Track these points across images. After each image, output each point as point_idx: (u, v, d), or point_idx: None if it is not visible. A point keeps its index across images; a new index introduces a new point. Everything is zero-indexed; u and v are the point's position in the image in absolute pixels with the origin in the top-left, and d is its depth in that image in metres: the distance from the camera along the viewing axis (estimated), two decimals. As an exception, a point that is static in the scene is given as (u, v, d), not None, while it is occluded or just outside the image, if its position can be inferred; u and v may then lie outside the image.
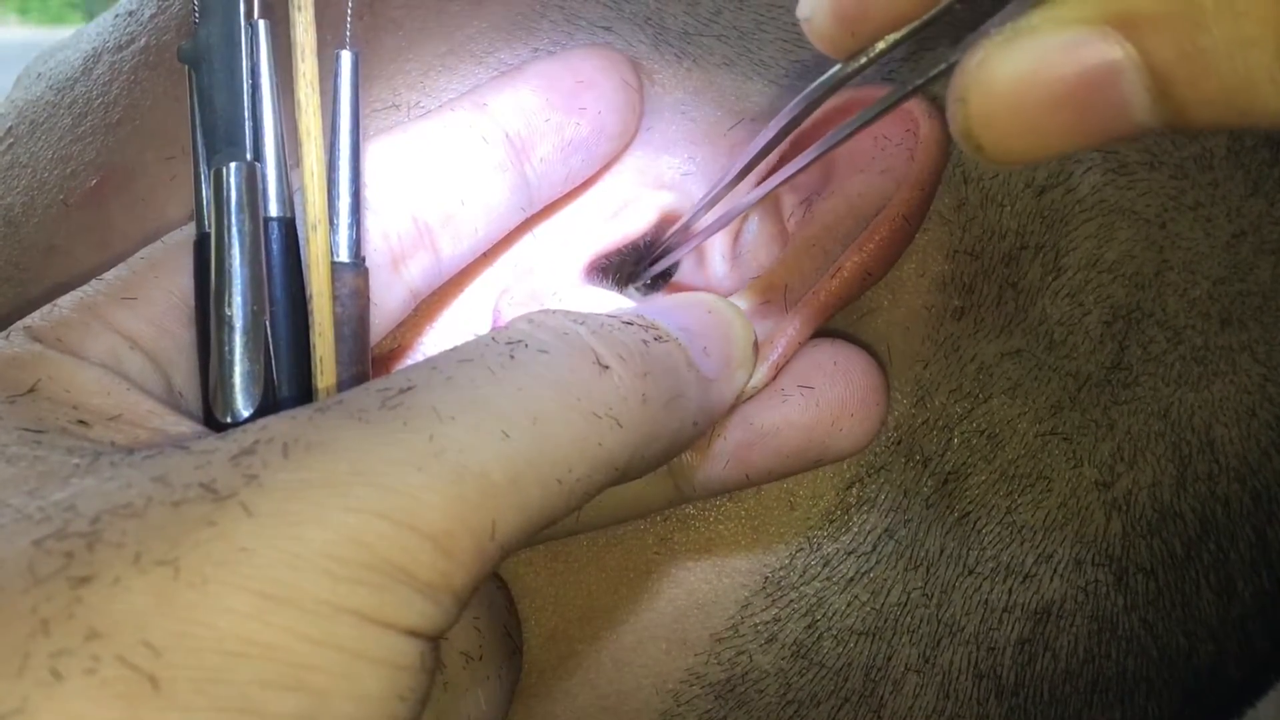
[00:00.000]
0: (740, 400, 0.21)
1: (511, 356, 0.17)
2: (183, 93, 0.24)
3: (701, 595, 0.23)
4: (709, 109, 0.23)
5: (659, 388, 0.18)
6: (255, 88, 0.18)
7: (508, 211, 0.21)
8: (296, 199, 0.19)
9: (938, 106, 0.21)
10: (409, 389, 0.16)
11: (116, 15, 0.27)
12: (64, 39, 0.29)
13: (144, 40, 0.25)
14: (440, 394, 0.16)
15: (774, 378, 0.21)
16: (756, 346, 0.21)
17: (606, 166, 0.23)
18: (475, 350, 0.17)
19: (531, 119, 0.21)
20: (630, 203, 0.22)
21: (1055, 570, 0.23)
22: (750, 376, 0.20)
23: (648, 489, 0.21)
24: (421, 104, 0.23)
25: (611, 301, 0.22)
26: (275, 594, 0.14)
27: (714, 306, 0.20)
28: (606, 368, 0.17)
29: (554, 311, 0.18)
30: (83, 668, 0.13)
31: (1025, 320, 0.23)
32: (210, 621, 0.13)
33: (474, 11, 0.24)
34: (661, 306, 0.20)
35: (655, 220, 0.22)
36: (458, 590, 0.15)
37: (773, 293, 0.22)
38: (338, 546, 0.14)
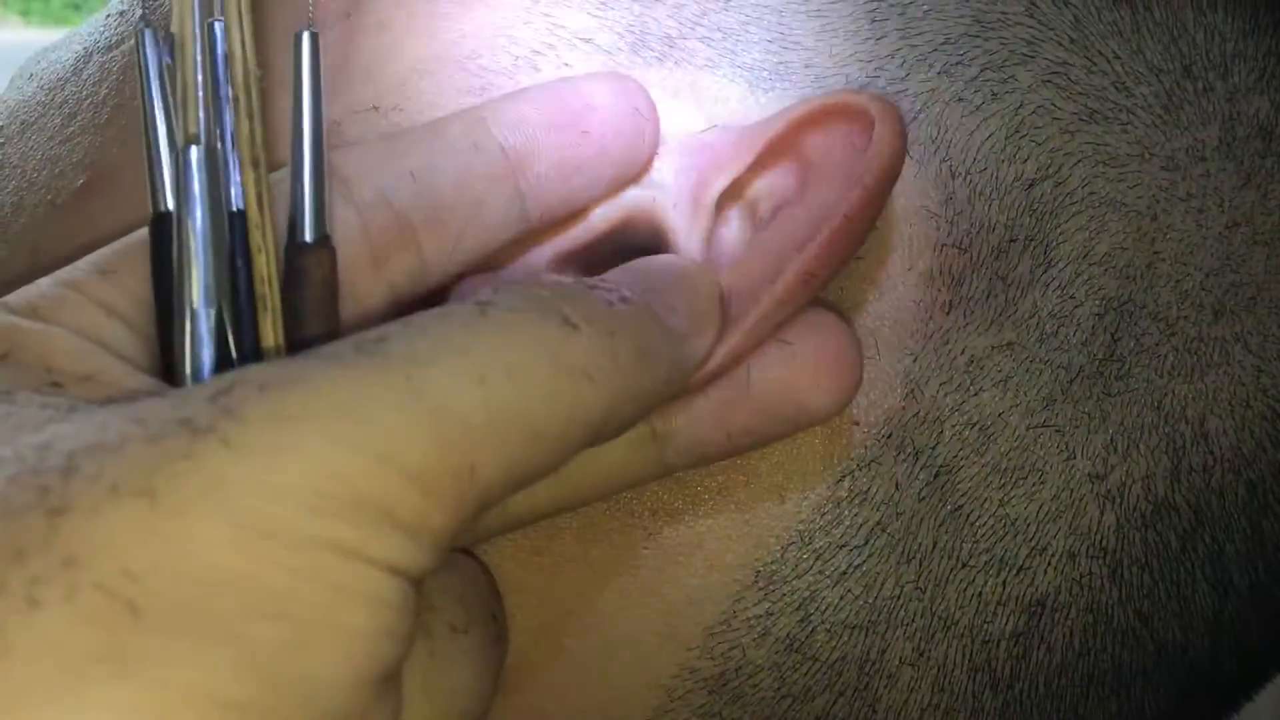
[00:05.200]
0: (708, 367, 0.21)
1: (483, 314, 0.17)
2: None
3: (692, 590, 0.23)
4: (685, 111, 0.23)
5: (628, 345, 0.18)
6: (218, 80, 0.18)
7: (500, 224, 0.21)
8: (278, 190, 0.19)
9: (893, 107, 0.21)
10: (384, 339, 0.16)
11: (108, 16, 0.27)
12: (57, 40, 0.29)
13: (133, 41, 0.25)
14: (415, 342, 0.16)
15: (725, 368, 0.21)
16: (722, 299, 0.21)
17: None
18: (447, 310, 0.17)
19: (530, 134, 0.21)
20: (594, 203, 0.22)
21: (1049, 563, 0.23)
22: (718, 335, 0.20)
23: (633, 457, 0.21)
24: (400, 107, 0.23)
25: None
26: (254, 525, 0.14)
27: (674, 264, 0.20)
28: (575, 327, 0.17)
29: (519, 281, 0.18)
30: (60, 594, 0.13)
31: (1015, 313, 0.23)
32: (189, 550, 0.13)
33: (460, 15, 0.23)
34: (625, 271, 0.20)
35: (619, 221, 0.22)
36: (436, 531, 0.15)
37: (729, 294, 0.21)
38: (317, 479, 0.14)
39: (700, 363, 0.20)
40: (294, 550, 0.14)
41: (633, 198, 0.22)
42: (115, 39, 0.25)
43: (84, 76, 0.25)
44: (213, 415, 0.14)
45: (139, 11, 0.26)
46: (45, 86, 0.26)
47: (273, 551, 0.14)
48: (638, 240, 0.23)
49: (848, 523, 0.23)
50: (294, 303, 0.19)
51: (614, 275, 0.20)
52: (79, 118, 0.25)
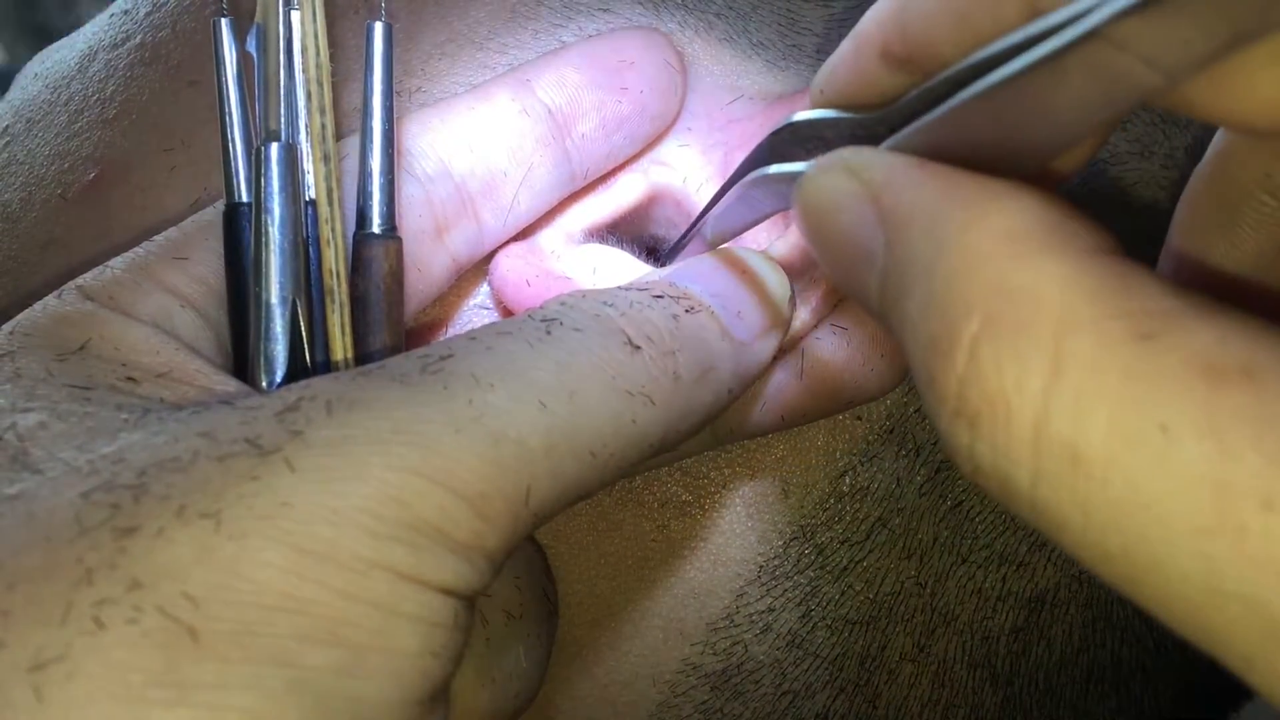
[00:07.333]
0: (778, 357, 0.21)
1: (548, 332, 0.17)
2: (180, 86, 0.24)
3: (698, 584, 0.23)
4: (708, 82, 0.23)
5: (690, 364, 0.18)
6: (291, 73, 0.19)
7: (550, 185, 0.21)
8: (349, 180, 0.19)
9: None
10: (449, 356, 0.16)
11: (112, 15, 0.27)
12: (61, 41, 0.29)
13: (140, 38, 0.25)
14: (480, 362, 0.16)
15: (815, 325, 0.21)
16: (794, 300, 0.20)
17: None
18: (513, 325, 0.17)
19: (574, 95, 0.21)
20: (622, 175, 0.22)
21: (1049, 558, 0.23)
22: (785, 334, 0.20)
23: None
24: (424, 89, 0.23)
25: (609, 256, 0.22)
26: (314, 549, 0.14)
27: (748, 266, 0.20)
28: (638, 348, 0.17)
29: (585, 293, 0.18)
30: (124, 617, 0.13)
31: None
32: (249, 575, 0.14)
33: (469, 1, 0.24)
34: (695, 270, 0.20)
35: (646, 194, 0.22)
36: (491, 552, 0.15)
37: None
38: (376, 503, 0.14)
39: (764, 365, 0.20)
40: (350, 574, 0.14)
41: (660, 176, 0.22)
42: (121, 37, 0.25)
43: (90, 74, 0.25)
44: (279, 435, 0.15)
45: (144, 10, 0.26)
46: (50, 85, 0.26)
47: (329, 575, 0.14)
48: (663, 214, 0.23)
49: (849, 518, 0.23)
50: (360, 291, 0.19)
51: (683, 274, 0.20)
52: (86, 114, 0.25)
